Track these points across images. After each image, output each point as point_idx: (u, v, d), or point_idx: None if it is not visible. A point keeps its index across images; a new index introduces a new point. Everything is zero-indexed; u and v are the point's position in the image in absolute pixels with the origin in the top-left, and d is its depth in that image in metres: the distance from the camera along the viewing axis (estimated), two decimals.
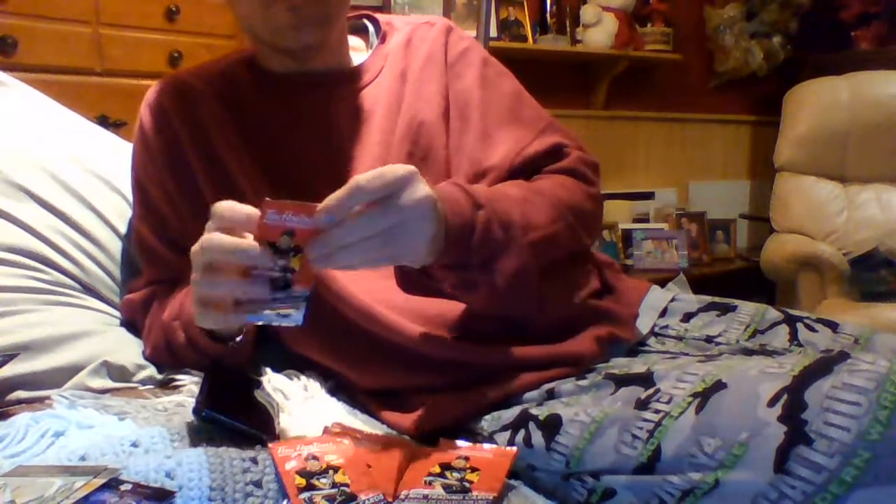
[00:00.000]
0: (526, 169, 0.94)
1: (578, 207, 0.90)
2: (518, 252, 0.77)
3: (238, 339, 0.84)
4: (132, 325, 1.00)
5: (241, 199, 0.90)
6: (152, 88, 0.98)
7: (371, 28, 1.05)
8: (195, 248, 0.68)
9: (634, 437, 0.65)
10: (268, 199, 0.63)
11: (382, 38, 1.02)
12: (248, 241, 0.65)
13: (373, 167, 0.91)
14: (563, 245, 0.87)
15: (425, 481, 0.64)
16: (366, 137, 0.94)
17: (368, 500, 0.61)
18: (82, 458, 0.66)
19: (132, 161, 0.99)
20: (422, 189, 0.68)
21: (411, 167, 0.67)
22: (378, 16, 1.06)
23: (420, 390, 0.83)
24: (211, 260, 0.66)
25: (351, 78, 0.98)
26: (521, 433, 0.74)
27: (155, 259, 0.97)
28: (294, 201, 0.63)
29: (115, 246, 1.06)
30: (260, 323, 0.68)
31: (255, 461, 0.65)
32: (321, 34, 0.92)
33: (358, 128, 0.95)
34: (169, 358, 0.92)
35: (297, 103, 0.95)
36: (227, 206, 0.67)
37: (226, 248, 0.65)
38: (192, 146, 0.93)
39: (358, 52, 1.03)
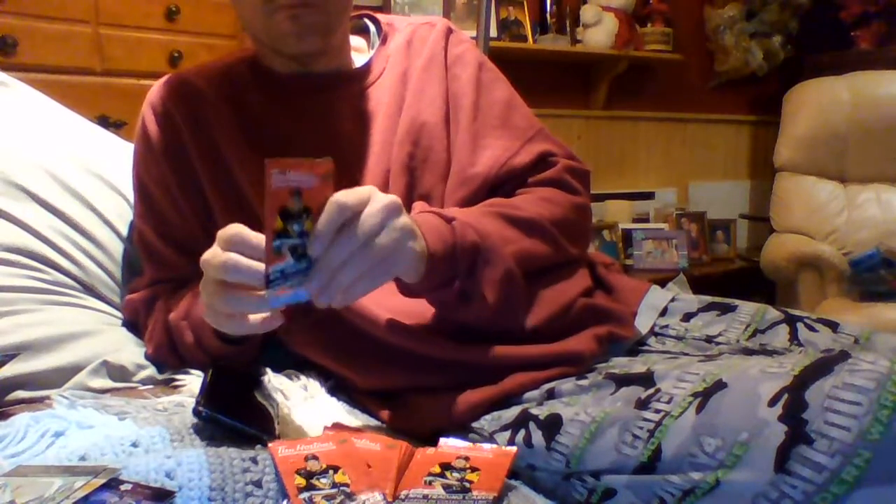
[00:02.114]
0: (510, 179, 0.94)
1: (562, 220, 0.91)
2: (500, 259, 0.79)
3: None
4: (134, 324, 1.00)
5: (243, 199, 0.91)
6: (155, 87, 0.98)
7: (372, 28, 1.05)
8: (207, 261, 0.68)
9: (635, 436, 0.65)
10: (268, 160, 0.62)
11: (384, 39, 1.02)
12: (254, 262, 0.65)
13: (375, 168, 0.92)
14: (542, 258, 0.88)
15: (425, 481, 0.64)
16: (367, 138, 0.94)
17: (368, 500, 0.61)
18: (82, 458, 0.66)
19: (134, 160, 0.99)
20: (385, 196, 0.68)
21: (370, 186, 0.69)
22: (379, 16, 1.06)
23: (420, 390, 0.83)
24: (225, 279, 0.66)
25: (353, 79, 0.98)
26: (522, 433, 0.74)
27: (157, 258, 0.97)
28: (294, 159, 0.62)
29: (115, 246, 1.06)
30: (283, 306, 0.67)
31: (255, 461, 0.65)
32: (322, 42, 0.92)
33: (360, 128, 0.95)
34: (172, 358, 0.92)
35: (300, 104, 0.96)
36: (235, 234, 0.67)
37: (242, 269, 0.65)
38: (195, 146, 0.93)
39: (359, 52, 1.03)
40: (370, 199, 0.67)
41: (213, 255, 0.67)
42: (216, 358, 0.86)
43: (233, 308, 0.68)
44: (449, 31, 1.03)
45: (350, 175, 0.92)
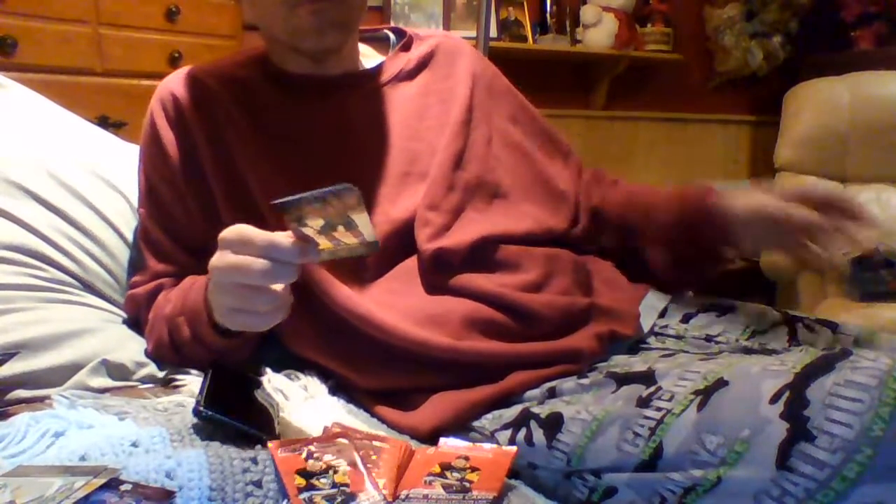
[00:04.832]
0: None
1: None
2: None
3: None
4: (135, 320, 0.99)
5: (250, 199, 0.90)
6: (164, 83, 0.97)
7: (392, 37, 1.07)
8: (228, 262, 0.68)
9: (636, 434, 0.65)
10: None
11: (406, 45, 1.04)
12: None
13: (392, 170, 0.93)
14: None
15: (425, 481, 0.64)
16: (384, 140, 0.94)
17: (368, 500, 0.61)
18: (82, 458, 0.66)
19: (140, 155, 0.99)
20: None
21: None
22: (407, 29, 1.07)
23: (420, 390, 0.83)
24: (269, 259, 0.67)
25: (366, 79, 0.99)
26: (523, 431, 0.74)
27: (160, 253, 0.96)
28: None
29: (114, 243, 1.06)
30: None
31: (255, 461, 0.65)
32: (342, 37, 0.92)
33: (375, 130, 0.95)
34: (172, 354, 0.91)
35: (313, 105, 0.95)
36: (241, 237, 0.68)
37: (285, 251, 0.67)
38: (206, 144, 0.92)
39: (369, 59, 1.03)
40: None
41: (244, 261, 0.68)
42: (214, 352, 0.86)
43: (265, 305, 0.70)
44: (474, 50, 1.08)
45: (364, 176, 0.91)
